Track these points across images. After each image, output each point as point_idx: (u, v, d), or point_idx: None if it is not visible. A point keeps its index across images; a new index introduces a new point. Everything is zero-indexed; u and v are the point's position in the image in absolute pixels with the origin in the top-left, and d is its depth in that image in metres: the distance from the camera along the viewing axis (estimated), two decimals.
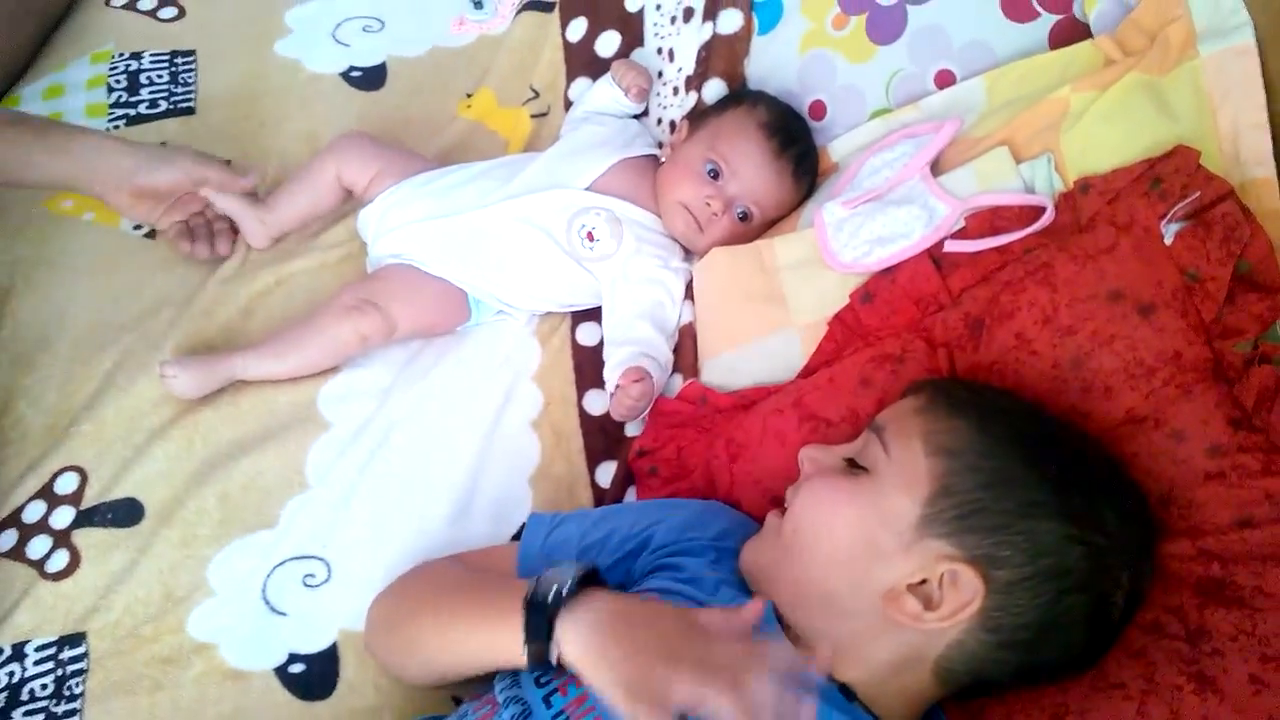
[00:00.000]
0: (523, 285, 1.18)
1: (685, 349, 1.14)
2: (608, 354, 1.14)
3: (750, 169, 1.15)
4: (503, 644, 0.75)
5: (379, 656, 0.96)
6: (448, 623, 0.85)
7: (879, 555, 0.76)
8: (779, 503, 0.89)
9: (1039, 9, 1.09)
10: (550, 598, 0.72)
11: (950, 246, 0.99)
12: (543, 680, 0.77)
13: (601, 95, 1.30)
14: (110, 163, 1.13)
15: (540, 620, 0.72)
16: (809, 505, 0.82)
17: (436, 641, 0.86)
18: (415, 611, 0.91)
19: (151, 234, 1.25)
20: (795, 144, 1.16)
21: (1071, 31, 1.08)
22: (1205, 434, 0.82)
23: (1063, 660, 0.77)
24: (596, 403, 1.14)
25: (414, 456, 1.09)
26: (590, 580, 0.75)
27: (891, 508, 0.77)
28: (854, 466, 0.82)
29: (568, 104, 1.37)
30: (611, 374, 1.11)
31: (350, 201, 1.27)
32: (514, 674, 0.81)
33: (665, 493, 1.04)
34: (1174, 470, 0.83)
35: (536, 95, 1.41)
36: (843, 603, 0.78)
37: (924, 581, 0.75)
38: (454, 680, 0.89)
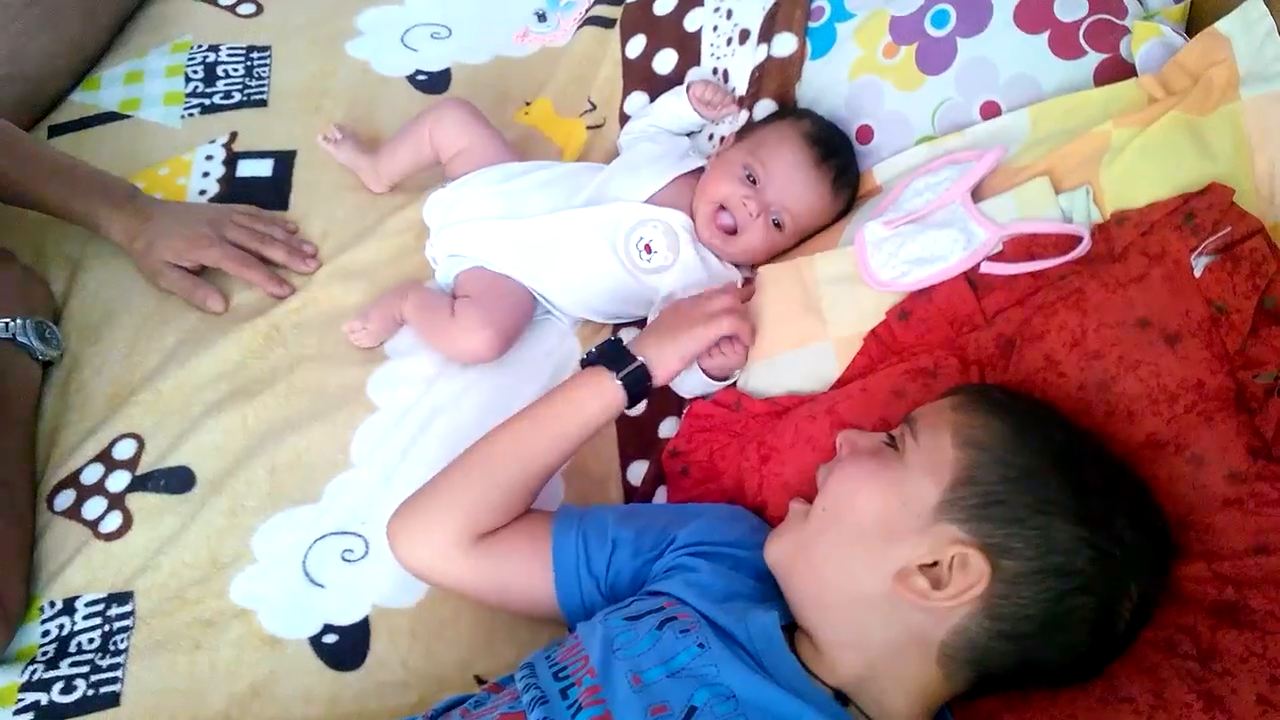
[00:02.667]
0: (577, 293, 1.22)
1: None
2: None
3: (787, 175, 1.17)
4: (590, 398, 0.98)
5: (426, 520, 0.95)
6: (523, 428, 0.98)
7: (896, 535, 0.79)
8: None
9: (1086, 47, 1.12)
10: (606, 345, 1.02)
11: (986, 268, 1.01)
12: (560, 674, 0.81)
13: (664, 110, 1.34)
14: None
15: (617, 352, 1.00)
16: (840, 482, 0.85)
17: (513, 448, 0.97)
18: (480, 446, 0.98)
19: None
20: (835, 156, 1.19)
21: (1116, 70, 1.11)
22: (1225, 461, 0.84)
23: (1065, 662, 0.79)
24: None
25: (454, 443, 1.10)
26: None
27: (914, 490, 0.80)
28: (889, 445, 0.85)
29: (623, 118, 1.41)
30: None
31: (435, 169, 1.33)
32: (530, 664, 0.85)
33: (695, 493, 1.07)
34: (1193, 495, 0.85)
35: (593, 108, 1.45)
36: (858, 582, 0.80)
37: (935, 564, 0.77)
38: (533, 481, 0.97)
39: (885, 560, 0.79)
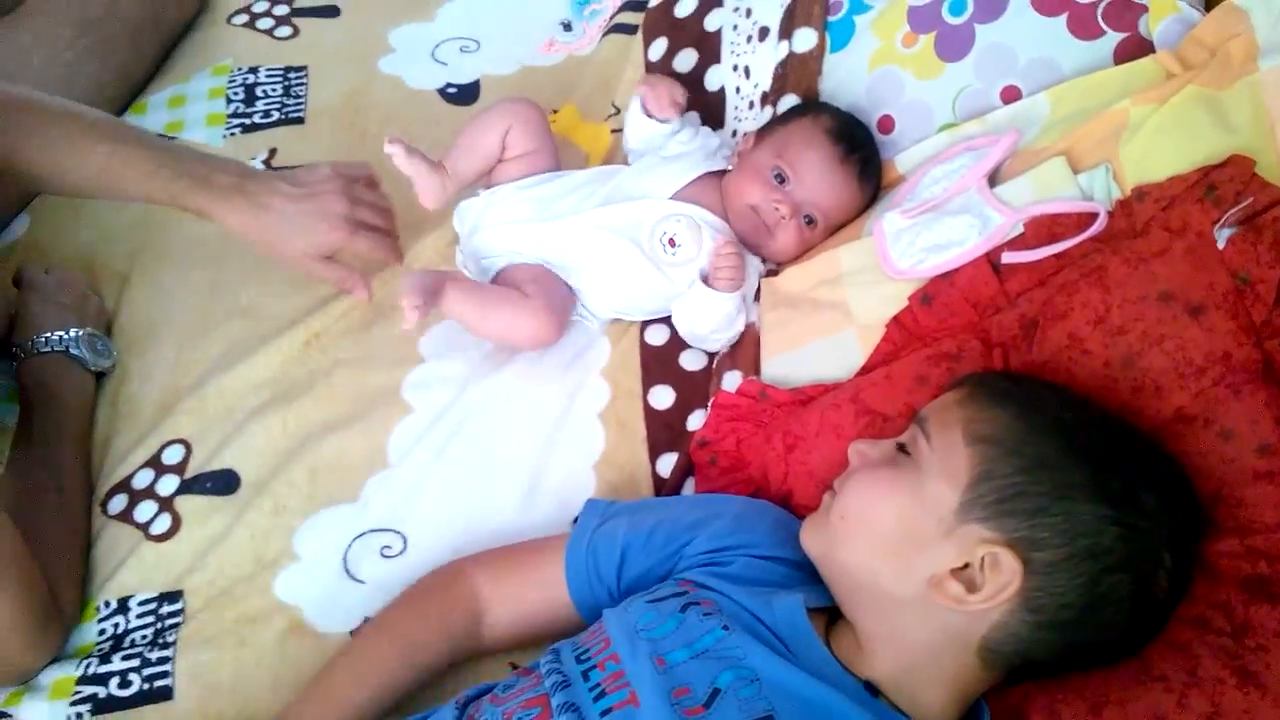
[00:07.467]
0: (605, 291, 1.23)
1: (747, 348, 1.16)
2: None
3: (816, 173, 1.18)
4: None
5: None
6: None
7: (922, 542, 0.79)
8: None
9: (1105, 27, 1.11)
10: None
11: (1008, 258, 1.01)
12: (582, 657, 0.82)
13: (643, 129, 1.31)
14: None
15: None
16: (855, 494, 0.85)
17: None
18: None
19: None
20: (860, 149, 1.20)
21: (1136, 48, 1.10)
22: (1255, 434, 0.83)
23: (1109, 641, 0.78)
24: (661, 397, 1.18)
25: (487, 441, 1.15)
26: None
27: (933, 495, 0.79)
28: (900, 451, 0.84)
29: None
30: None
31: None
32: (555, 649, 0.86)
33: (723, 483, 1.07)
34: (1223, 469, 0.84)
35: (617, 111, 1.47)
36: (888, 588, 0.80)
37: (966, 566, 0.76)
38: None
39: (915, 567, 0.79)
